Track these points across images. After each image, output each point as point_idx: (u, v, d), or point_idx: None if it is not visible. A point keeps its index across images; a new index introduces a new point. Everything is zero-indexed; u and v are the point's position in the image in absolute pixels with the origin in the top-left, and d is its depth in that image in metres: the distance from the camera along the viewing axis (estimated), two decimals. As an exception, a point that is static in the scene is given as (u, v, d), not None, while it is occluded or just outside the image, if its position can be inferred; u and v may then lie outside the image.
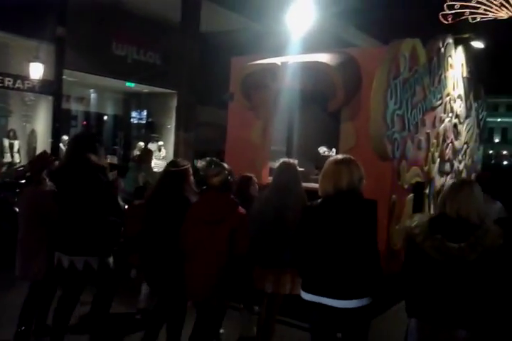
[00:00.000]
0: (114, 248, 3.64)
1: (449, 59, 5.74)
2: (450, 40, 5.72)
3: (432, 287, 2.36)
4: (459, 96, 6.14)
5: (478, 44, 6.45)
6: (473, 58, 6.27)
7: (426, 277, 2.38)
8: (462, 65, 6.16)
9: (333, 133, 6.30)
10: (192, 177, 3.44)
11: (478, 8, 15.28)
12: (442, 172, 5.92)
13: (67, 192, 3.37)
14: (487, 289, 2.28)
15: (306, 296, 2.68)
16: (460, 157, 6.42)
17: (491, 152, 32.97)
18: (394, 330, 3.53)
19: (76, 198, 3.34)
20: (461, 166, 6.51)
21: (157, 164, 11.10)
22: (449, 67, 5.77)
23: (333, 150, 7.00)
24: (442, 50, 5.53)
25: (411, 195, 5.19)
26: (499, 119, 48.14)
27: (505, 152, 33.68)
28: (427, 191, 5.60)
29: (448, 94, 5.79)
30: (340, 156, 2.75)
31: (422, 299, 2.39)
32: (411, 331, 2.48)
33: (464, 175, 6.52)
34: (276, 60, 5.10)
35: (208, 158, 3.59)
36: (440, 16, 14.06)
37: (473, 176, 6.56)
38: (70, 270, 3.40)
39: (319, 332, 2.72)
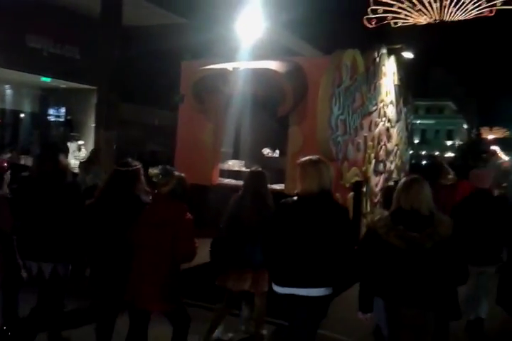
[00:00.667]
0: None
1: (383, 68, 6.75)
2: (384, 51, 6.73)
3: (393, 272, 2.89)
4: (391, 102, 7.19)
5: (408, 54, 7.59)
6: (402, 67, 7.37)
7: (387, 263, 2.90)
8: (394, 73, 7.23)
9: (276, 135, 7.09)
10: (143, 177, 3.83)
11: (399, 13, 17.09)
12: (377, 172, 6.91)
13: (44, 200, 3.74)
14: (440, 272, 2.85)
15: (278, 289, 3.12)
16: (391, 158, 7.48)
17: (411, 152, 36.03)
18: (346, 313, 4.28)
19: (56, 205, 3.73)
20: (392, 166, 7.57)
21: (76, 165, 11.20)
22: (383, 76, 6.78)
23: (277, 151, 7.81)
24: (377, 59, 6.51)
25: (351, 193, 6.08)
26: (419, 121, 52.93)
27: (424, 152, 36.86)
28: (365, 189, 6.56)
29: (382, 101, 6.79)
30: (313, 157, 3.18)
31: (384, 283, 2.92)
32: (379, 310, 3.03)
33: (394, 174, 7.59)
34: (228, 66, 5.74)
35: (160, 166, 4.07)
36: (364, 20, 15.58)
37: (402, 176, 7.65)
38: (52, 277, 3.77)
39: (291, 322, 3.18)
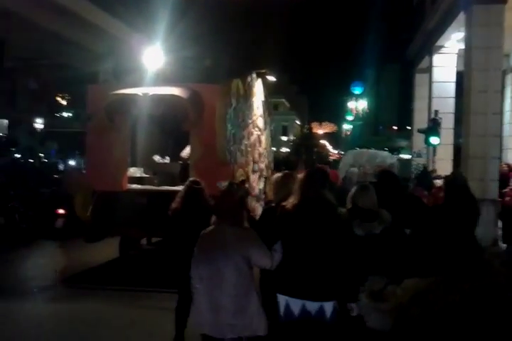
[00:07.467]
0: None
1: (254, 88, 8.69)
2: (254, 75, 8.67)
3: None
4: (260, 115, 9.18)
5: (271, 77, 9.66)
6: (266, 86, 9.43)
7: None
8: (261, 92, 9.24)
9: (167, 146, 8.62)
10: None
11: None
12: (254, 172, 8.86)
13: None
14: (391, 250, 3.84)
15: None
16: (262, 159, 9.50)
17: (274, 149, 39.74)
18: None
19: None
20: (263, 166, 9.60)
21: None
22: (254, 94, 8.72)
23: (167, 158, 9.33)
24: (251, 82, 8.43)
25: (240, 189, 7.91)
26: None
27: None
28: (247, 185, 8.43)
29: (255, 114, 8.73)
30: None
31: None
32: None
33: (264, 172, 9.61)
34: (138, 91, 7.10)
35: None
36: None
37: (269, 173, 9.71)
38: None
39: None
